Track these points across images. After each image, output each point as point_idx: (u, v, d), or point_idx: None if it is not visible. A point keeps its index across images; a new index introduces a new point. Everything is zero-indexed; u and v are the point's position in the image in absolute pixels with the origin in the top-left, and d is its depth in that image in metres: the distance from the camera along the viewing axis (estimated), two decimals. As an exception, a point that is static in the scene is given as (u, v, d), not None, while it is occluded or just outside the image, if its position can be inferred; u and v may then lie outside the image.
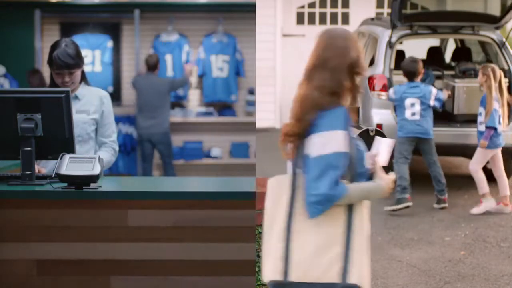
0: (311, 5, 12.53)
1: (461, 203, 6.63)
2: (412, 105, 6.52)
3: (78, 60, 3.85)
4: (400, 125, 6.57)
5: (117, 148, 4.02)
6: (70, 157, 3.35)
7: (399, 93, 6.62)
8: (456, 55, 8.96)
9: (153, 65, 8.40)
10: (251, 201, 3.32)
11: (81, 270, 3.31)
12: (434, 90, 6.59)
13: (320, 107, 2.47)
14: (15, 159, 3.57)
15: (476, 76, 7.33)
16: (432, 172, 6.46)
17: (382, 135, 3.21)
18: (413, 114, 6.50)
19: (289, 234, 2.49)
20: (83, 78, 3.98)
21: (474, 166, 6.33)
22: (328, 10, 12.53)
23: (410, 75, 6.60)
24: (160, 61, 8.64)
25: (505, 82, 6.58)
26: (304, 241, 2.48)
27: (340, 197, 2.44)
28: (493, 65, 6.68)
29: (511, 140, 6.78)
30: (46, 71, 7.82)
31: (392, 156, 2.95)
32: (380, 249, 5.35)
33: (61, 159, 3.37)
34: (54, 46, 3.86)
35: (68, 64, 3.80)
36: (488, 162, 6.43)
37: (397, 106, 6.69)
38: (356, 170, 2.53)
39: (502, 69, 7.50)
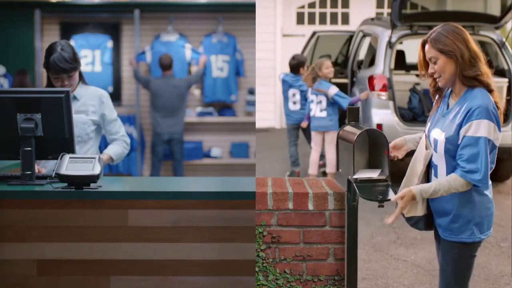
0: (311, 5, 12.53)
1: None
2: (294, 95, 7.86)
3: (75, 64, 3.85)
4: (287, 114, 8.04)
5: (128, 141, 4.05)
6: (70, 157, 3.35)
7: (285, 83, 7.95)
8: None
9: (168, 65, 8.48)
10: (251, 201, 3.32)
11: (81, 270, 3.31)
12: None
13: None
14: (15, 159, 3.57)
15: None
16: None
17: (382, 135, 3.21)
18: (295, 103, 7.87)
19: None
20: (81, 78, 3.98)
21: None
22: (328, 10, 12.53)
23: (292, 69, 7.95)
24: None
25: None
26: None
27: None
28: (317, 61, 7.73)
29: (511, 140, 6.79)
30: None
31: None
32: (385, 249, 5.35)
33: (61, 159, 3.37)
34: (50, 50, 3.84)
35: (65, 69, 3.80)
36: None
37: (284, 97, 8.02)
38: None
39: (502, 69, 7.51)
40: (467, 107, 2.82)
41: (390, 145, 3.09)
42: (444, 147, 2.88)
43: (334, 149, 7.42)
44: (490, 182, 2.93)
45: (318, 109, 7.54)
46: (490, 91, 2.88)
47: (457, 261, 2.94)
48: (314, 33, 9.51)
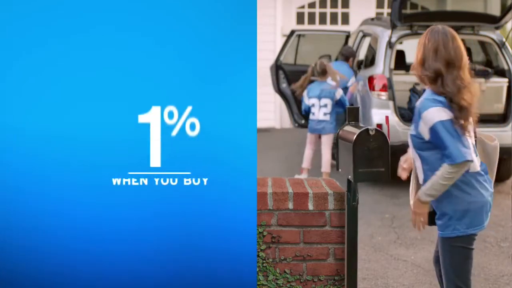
0: (311, 5, 12.55)
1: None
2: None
3: None
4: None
5: None
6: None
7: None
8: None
9: None
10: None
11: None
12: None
13: None
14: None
15: (476, 76, 7.31)
16: None
17: (382, 134, 3.22)
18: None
19: None
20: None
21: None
22: (328, 10, 12.55)
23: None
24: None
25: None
26: None
27: None
28: (317, 62, 7.68)
29: (511, 140, 6.79)
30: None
31: None
32: (385, 249, 5.35)
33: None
34: None
35: None
36: None
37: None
38: None
39: (502, 69, 7.51)
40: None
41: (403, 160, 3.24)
42: (412, 142, 3.04)
43: (329, 150, 7.58)
44: (481, 177, 3.03)
45: (321, 113, 7.55)
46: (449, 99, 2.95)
47: (450, 254, 3.04)
48: (292, 32, 9.44)
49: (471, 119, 2.98)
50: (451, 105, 2.91)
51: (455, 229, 2.99)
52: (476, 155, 3.02)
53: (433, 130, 2.90)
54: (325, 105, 7.52)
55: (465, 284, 3.08)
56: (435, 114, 2.90)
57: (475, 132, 3.09)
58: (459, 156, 2.87)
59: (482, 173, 3.03)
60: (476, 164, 3.00)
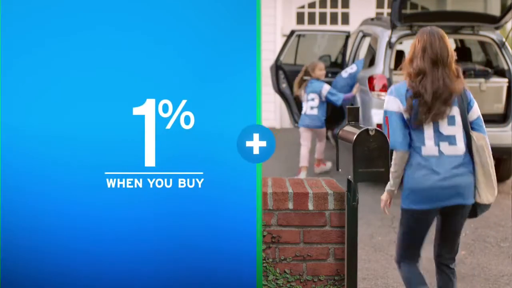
0: (311, 5, 12.55)
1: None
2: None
3: None
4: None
5: None
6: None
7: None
8: (456, 55, 8.96)
9: None
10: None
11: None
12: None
13: None
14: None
15: (476, 76, 7.33)
16: None
17: (382, 135, 3.22)
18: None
19: None
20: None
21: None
22: (328, 10, 12.55)
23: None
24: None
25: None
26: None
27: None
28: (310, 63, 8.08)
29: (511, 140, 6.80)
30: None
31: None
32: (385, 249, 5.35)
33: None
34: None
35: None
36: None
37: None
38: None
39: (502, 69, 7.51)
40: None
41: None
42: None
43: (322, 141, 8.06)
44: (431, 161, 3.27)
45: (308, 106, 7.89)
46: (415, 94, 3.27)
47: (400, 222, 3.48)
48: (292, 32, 9.46)
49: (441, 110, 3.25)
50: (416, 98, 3.22)
51: (403, 202, 3.40)
52: (450, 143, 3.25)
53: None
54: (312, 99, 7.86)
55: (402, 251, 3.53)
56: (387, 102, 3.30)
57: (465, 125, 3.33)
58: (391, 144, 3.25)
59: (435, 159, 3.25)
60: (428, 149, 3.25)
